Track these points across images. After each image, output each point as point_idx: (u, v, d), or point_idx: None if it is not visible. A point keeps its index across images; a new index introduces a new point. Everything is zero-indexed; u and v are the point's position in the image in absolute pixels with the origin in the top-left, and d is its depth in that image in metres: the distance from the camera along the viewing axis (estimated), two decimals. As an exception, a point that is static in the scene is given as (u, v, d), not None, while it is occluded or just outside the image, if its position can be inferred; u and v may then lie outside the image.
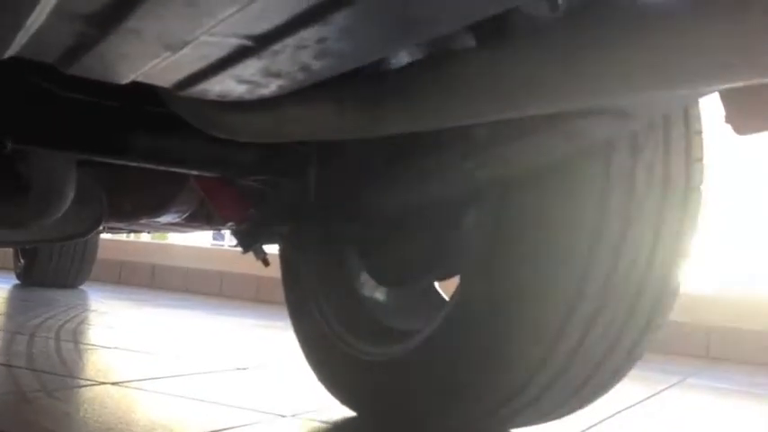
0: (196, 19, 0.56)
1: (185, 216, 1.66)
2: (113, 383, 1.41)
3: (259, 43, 0.62)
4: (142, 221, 1.76)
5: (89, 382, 1.41)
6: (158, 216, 1.66)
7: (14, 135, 1.06)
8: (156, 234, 4.29)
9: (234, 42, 0.62)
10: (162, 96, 1.01)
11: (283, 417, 1.26)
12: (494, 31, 0.83)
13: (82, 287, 3.75)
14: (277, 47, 0.62)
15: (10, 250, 3.81)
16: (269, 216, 1.29)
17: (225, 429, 1.12)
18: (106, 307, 3.14)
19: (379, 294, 1.42)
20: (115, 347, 1.92)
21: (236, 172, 1.24)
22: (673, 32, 0.60)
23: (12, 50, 0.68)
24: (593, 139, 0.89)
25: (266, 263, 1.36)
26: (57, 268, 3.56)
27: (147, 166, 1.22)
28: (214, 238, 4.71)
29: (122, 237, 4.65)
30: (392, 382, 1.17)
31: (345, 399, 1.29)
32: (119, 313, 2.92)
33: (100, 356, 1.78)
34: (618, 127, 0.87)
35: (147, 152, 1.18)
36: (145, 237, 4.79)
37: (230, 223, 1.44)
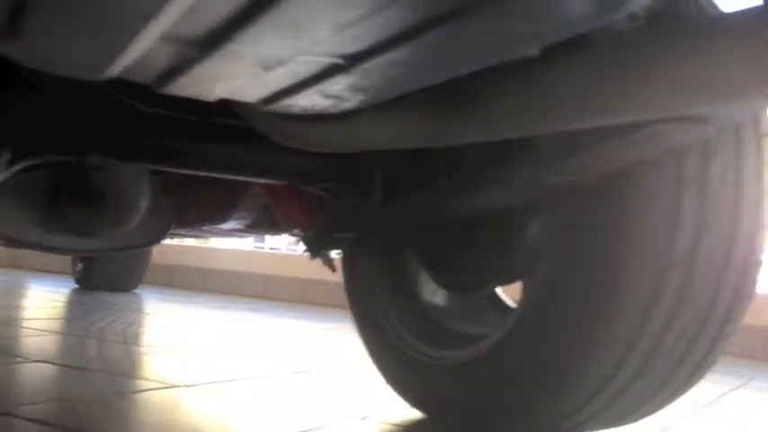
0: (297, 41, 0.58)
1: (248, 222, 1.69)
2: (185, 386, 1.45)
3: (351, 61, 0.63)
4: (204, 228, 1.80)
5: (160, 385, 1.45)
6: (221, 222, 1.70)
7: (97, 148, 1.10)
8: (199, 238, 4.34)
9: (326, 61, 0.64)
10: (235, 109, 1.03)
11: (353, 419, 1.28)
12: (567, 40, 0.83)
13: (136, 290, 3.84)
14: (369, 65, 0.64)
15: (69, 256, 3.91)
16: (335, 222, 1.32)
17: (312, 430, 1.14)
18: (163, 310, 3.21)
19: (443, 299, 1.44)
20: (179, 350, 1.97)
21: (303, 180, 1.27)
22: (748, 42, 0.60)
23: (110, 73, 0.71)
24: (669, 144, 0.90)
25: (333, 268, 1.38)
26: (113, 272, 3.65)
27: (217, 175, 1.25)
28: (255, 242, 4.74)
29: (170, 241, 4.73)
30: (461, 386, 1.18)
31: (415, 402, 1.31)
32: (177, 316, 2.99)
33: (165, 359, 1.82)
34: (695, 132, 0.87)
35: (217, 162, 1.21)
36: (189, 240, 4.85)
37: (295, 229, 1.47)
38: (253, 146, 1.21)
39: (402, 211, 1.29)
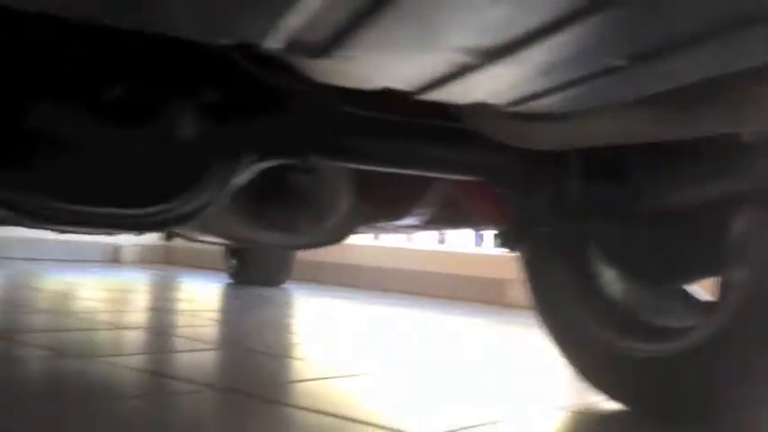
0: (592, 45, 0.61)
1: (426, 218, 1.74)
2: (359, 375, 1.52)
3: (632, 62, 0.65)
4: (379, 224, 1.87)
5: (336, 374, 1.53)
6: (399, 219, 1.76)
7: (315, 151, 1.17)
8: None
9: (609, 63, 0.66)
10: (453, 110, 1.08)
11: (549, 409, 1.31)
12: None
13: (284, 285, 3.99)
14: (646, 65, 0.65)
15: (220, 252, 4.12)
16: (530, 217, 1.34)
17: (494, 422, 1.18)
18: (316, 304, 3.33)
19: (628, 291, 1.43)
20: (345, 340, 2.06)
21: (503, 177, 1.30)
22: None
23: (388, 83, 0.76)
24: None
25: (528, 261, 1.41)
26: (266, 268, 3.81)
27: (419, 174, 1.31)
28: (375, 238, 4.75)
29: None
30: (669, 379, 1.18)
31: (612, 394, 1.32)
32: (330, 309, 3.10)
33: (332, 348, 1.91)
34: None
35: (420, 161, 1.27)
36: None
37: (485, 225, 1.50)
38: (454, 144, 1.25)
39: (596, 206, 1.31)
